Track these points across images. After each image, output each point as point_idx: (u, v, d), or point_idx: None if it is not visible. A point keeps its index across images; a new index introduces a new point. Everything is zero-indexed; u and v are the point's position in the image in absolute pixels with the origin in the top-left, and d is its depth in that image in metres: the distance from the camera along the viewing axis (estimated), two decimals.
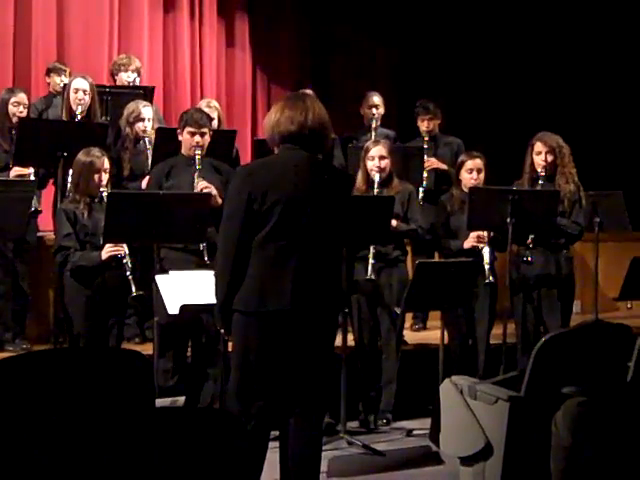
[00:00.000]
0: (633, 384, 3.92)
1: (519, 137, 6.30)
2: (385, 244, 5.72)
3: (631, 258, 6.52)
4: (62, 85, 6.92)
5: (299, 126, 3.82)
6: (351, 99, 8.13)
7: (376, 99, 7.36)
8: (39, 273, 6.20)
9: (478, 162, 5.92)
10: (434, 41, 9.66)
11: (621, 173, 8.58)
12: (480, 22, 9.62)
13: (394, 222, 5.65)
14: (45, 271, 6.03)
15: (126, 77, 7.23)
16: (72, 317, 5.35)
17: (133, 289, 5.14)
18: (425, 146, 6.96)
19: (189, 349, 5.62)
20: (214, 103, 6.94)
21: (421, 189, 6.69)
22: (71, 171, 5.56)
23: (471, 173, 5.90)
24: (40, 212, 6.22)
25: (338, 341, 5.45)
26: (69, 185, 5.61)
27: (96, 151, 5.43)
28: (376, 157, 5.77)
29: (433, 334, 6.31)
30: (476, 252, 5.69)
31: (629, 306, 7.23)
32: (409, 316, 6.73)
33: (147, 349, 5.33)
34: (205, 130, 5.59)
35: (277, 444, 3.97)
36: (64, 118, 6.44)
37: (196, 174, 5.51)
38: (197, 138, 5.55)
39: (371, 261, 5.65)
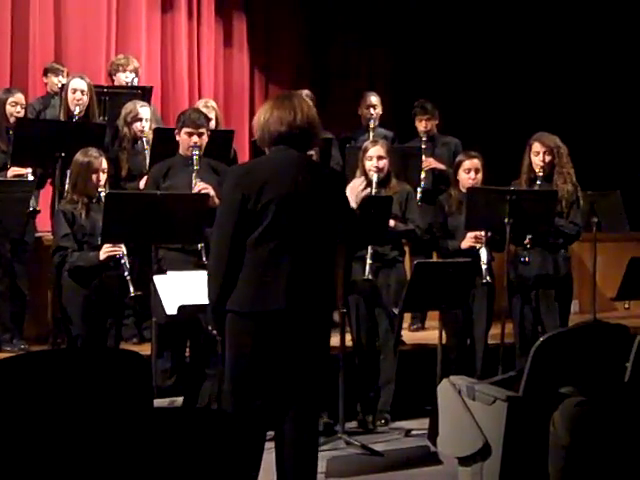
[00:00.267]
0: (631, 384, 3.92)
1: (517, 137, 6.31)
2: (383, 244, 5.72)
3: (629, 258, 6.52)
4: (60, 85, 6.92)
5: (288, 126, 3.83)
6: (349, 99, 8.12)
7: (374, 99, 7.36)
8: (37, 273, 6.19)
9: (476, 162, 5.93)
10: (432, 41, 9.66)
11: (619, 173, 8.59)
12: (478, 22, 9.63)
13: (392, 222, 5.65)
14: (43, 271, 6.03)
15: (124, 77, 7.23)
16: (70, 317, 5.35)
17: (131, 289, 5.14)
18: (423, 146, 6.96)
19: (187, 349, 5.62)
20: (212, 103, 6.94)
21: (419, 189, 6.69)
22: (69, 171, 5.56)
23: (469, 173, 5.90)
24: (38, 212, 6.21)
25: (336, 341, 5.48)
26: (67, 185, 5.61)
27: (94, 151, 5.43)
28: (374, 157, 5.77)
29: (431, 334, 6.31)
30: (473, 252, 5.69)
31: (627, 306, 7.24)
32: (407, 316, 6.73)
33: (145, 349, 5.32)
34: (203, 130, 5.59)
35: (273, 445, 3.96)
36: (62, 118, 6.44)
37: (194, 174, 5.51)
38: (195, 138, 5.55)
39: (369, 261, 5.65)
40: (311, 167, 3.99)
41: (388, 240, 5.71)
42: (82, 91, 6.42)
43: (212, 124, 6.45)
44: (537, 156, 5.85)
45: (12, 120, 6.21)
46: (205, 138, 5.60)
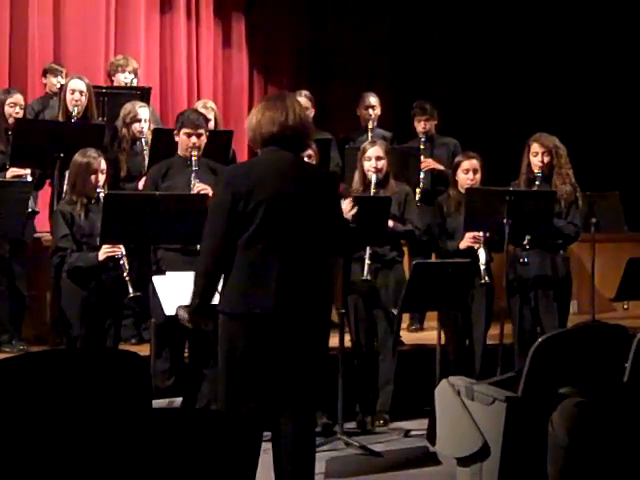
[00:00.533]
0: (630, 384, 3.92)
1: (516, 138, 6.31)
2: (382, 245, 5.72)
3: (627, 259, 6.53)
4: (59, 86, 6.92)
5: (280, 127, 3.83)
6: (348, 100, 8.12)
7: (372, 100, 7.35)
8: (36, 274, 6.19)
9: (474, 162, 5.93)
10: (431, 42, 9.67)
11: (618, 174, 8.60)
12: (477, 23, 9.63)
13: (391, 223, 5.65)
14: (42, 272, 6.02)
15: (123, 78, 7.22)
16: (69, 318, 5.35)
17: (130, 290, 5.14)
18: (422, 147, 6.96)
19: (186, 350, 5.61)
20: (211, 104, 6.94)
21: (418, 190, 6.69)
22: (68, 172, 5.56)
23: (467, 173, 5.90)
24: (37, 213, 6.22)
25: (335, 342, 5.48)
26: (66, 186, 5.61)
27: (93, 152, 5.43)
28: (373, 158, 5.77)
29: (430, 335, 6.31)
30: (472, 253, 5.69)
31: (626, 306, 7.23)
32: (406, 317, 6.73)
33: (144, 350, 5.32)
34: (201, 131, 5.59)
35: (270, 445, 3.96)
36: (61, 119, 6.43)
37: (193, 175, 5.51)
38: (193, 139, 5.54)
39: (367, 262, 5.65)
40: (303, 168, 3.98)
41: (387, 241, 5.71)
42: (81, 92, 6.42)
43: (211, 125, 6.45)
44: (536, 157, 5.86)
45: (11, 121, 6.21)
46: (204, 139, 5.60)
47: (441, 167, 6.89)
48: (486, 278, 5.65)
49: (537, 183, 5.84)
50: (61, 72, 7.20)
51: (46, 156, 5.85)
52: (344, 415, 5.41)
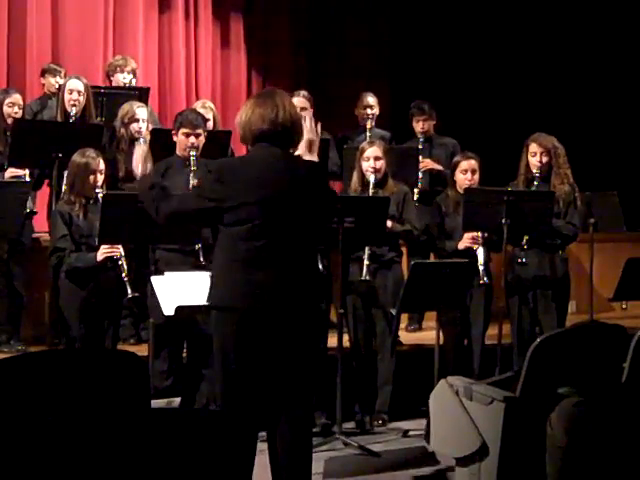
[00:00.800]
0: (628, 385, 3.92)
1: (514, 138, 6.31)
2: (380, 245, 5.72)
3: (626, 258, 6.52)
4: (57, 86, 6.91)
5: (270, 123, 3.84)
6: (346, 100, 8.12)
7: (371, 100, 7.35)
8: (34, 274, 6.18)
9: (472, 163, 5.93)
10: (429, 42, 9.67)
11: (616, 173, 8.60)
12: (475, 22, 9.63)
13: (389, 223, 5.65)
14: (40, 272, 6.02)
15: (122, 78, 7.22)
16: (67, 318, 5.35)
17: (129, 291, 5.14)
18: (420, 147, 6.96)
19: (185, 350, 5.61)
20: (209, 104, 6.94)
21: (416, 190, 6.69)
22: (66, 172, 5.56)
23: (466, 174, 5.91)
24: (35, 213, 6.21)
25: (334, 342, 5.49)
26: (64, 186, 5.61)
27: (91, 152, 5.42)
28: (371, 158, 5.77)
29: (428, 335, 6.31)
30: (471, 253, 5.69)
31: (624, 306, 7.23)
32: (404, 317, 6.73)
33: (142, 350, 5.33)
34: (200, 131, 5.59)
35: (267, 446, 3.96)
36: (59, 119, 6.43)
37: (191, 175, 5.51)
38: (192, 139, 5.55)
39: (366, 262, 5.65)
40: (294, 164, 3.97)
41: (385, 241, 5.70)
42: (79, 91, 6.41)
43: (210, 125, 6.45)
44: (534, 157, 5.86)
45: (9, 121, 6.21)
46: (202, 139, 5.60)
47: (439, 167, 6.89)
48: (485, 278, 5.66)
49: (535, 183, 5.84)
50: (59, 72, 7.19)
51: (44, 156, 5.85)
52: (343, 415, 5.40)
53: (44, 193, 6.54)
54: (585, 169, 6.54)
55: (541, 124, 6.59)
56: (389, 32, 9.83)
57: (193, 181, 5.49)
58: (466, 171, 5.91)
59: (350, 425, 5.71)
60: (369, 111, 7.28)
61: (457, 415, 4.12)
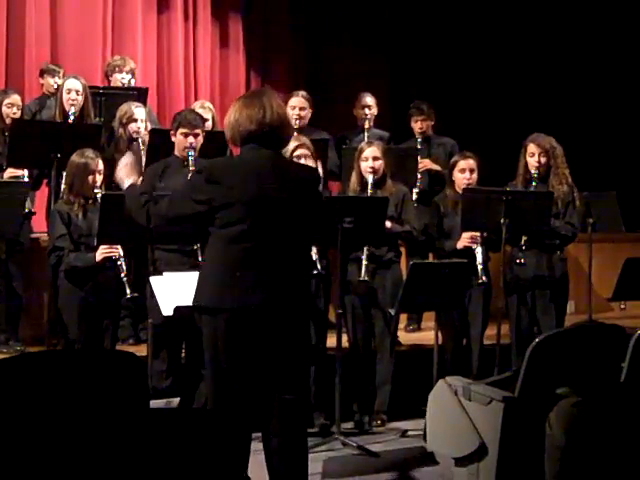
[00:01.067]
0: (627, 384, 3.92)
1: (513, 138, 6.31)
2: (379, 246, 5.72)
3: (624, 259, 6.53)
4: (56, 86, 6.92)
5: (258, 124, 3.83)
6: (344, 100, 8.12)
7: (369, 100, 7.35)
8: (33, 274, 6.18)
9: (471, 162, 5.93)
10: (428, 42, 9.67)
11: (615, 174, 8.60)
12: (474, 23, 9.64)
13: (388, 223, 5.65)
14: (39, 273, 6.02)
15: (121, 78, 7.21)
16: (66, 319, 5.34)
17: (128, 291, 5.14)
18: (419, 147, 6.96)
19: (183, 350, 5.61)
20: (208, 104, 6.95)
21: (415, 190, 6.69)
22: (65, 172, 5.56)
23: (464, 173, 5.91)
24: (34, 213, 6.21)
25: (332, 342, 5.49)
26: (63, 186, 5.61)
27: (90, 152, 5.43)
28: (370, 158, 5.77)
29: (427, 335, 6.31)
30: (469, 253, 5.69)
31: (623, 306, 7.23)
32: (403, 317, 6.74)
33: (141, 350, 5.33)
34: (198, 131, 5.58)
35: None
36: (57, 119, 6.43)
37: (189, 175, 5.49)
38: (190, 139, 5.54)
39: (365, 262, 5.65)
40: (283, 165, 3.97)
41: (384, 241, 5.70)
42: (77, 91, 6.42)
43: (209, 125, 6.45)
44: (532, 157, 5.86)
45: (8, 121, 6.22)
46: (200, 139, 5.60)
47: (438, 167, 6.89)
48: (483, 278, 5.66)
49: (534, 183, 5.84)
50: (58, 72, 7.19)
51: (43, 156, 5.85)
52: (341, 415, 5.40)
53: (43, 193, 6.54)
54: (584, 169, 6.54)
55: (540, 124, 6.59)
56: (388, 32, 9.82)
57: None
58: (464, 170, 5.91)
59: (349, 425, 5.71)
60: (367, 111, 7.28)
61: (456, 415, 4.12)
